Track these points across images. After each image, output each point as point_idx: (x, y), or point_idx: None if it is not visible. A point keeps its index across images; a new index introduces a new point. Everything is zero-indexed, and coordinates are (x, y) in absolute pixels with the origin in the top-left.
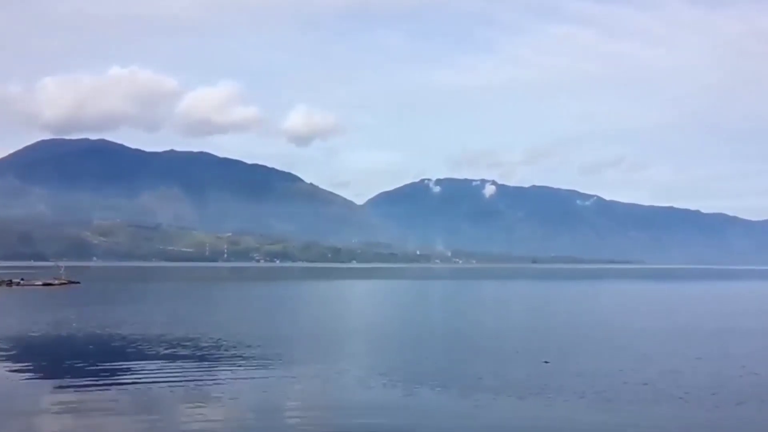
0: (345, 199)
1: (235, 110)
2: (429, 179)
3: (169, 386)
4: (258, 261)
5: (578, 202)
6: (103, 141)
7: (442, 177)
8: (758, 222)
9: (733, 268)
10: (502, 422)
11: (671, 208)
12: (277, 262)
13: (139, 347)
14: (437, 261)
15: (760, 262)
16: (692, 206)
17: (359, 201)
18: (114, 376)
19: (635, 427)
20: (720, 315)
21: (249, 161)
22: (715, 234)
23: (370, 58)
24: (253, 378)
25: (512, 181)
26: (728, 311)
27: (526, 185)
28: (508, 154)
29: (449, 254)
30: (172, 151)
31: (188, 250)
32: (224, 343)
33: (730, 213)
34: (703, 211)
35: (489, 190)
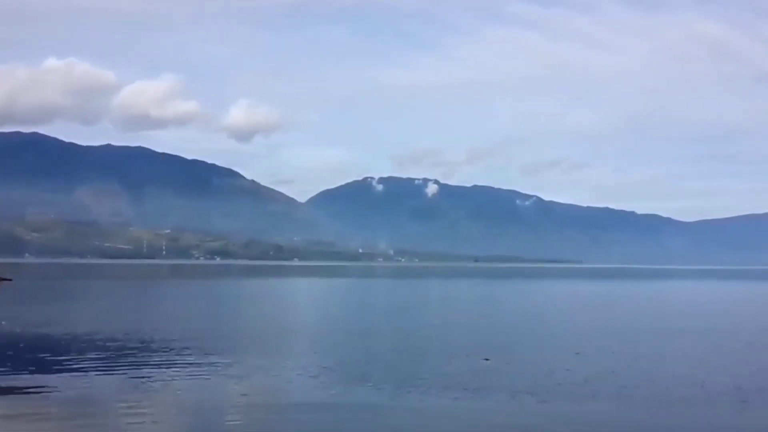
0: (287, 197)
1: (175, 105)
2: (372, 177)
3: (103, 386)
4: (198, 258)
5: (518, 202)
6: (35, 134)
7: (385, 175)
8: (690, 223)
9: (668, 267)
10: (436, 420)
11: (608, 208)
12: (218, 259)
13: (72, 346)
14: (380, 259)
15: (692, 262)
16: (628, 207)
17: (302, 198)
18: (45, 375)
19: (569, 424)
20: (657, 315)
21: (189, 157)
22: (650, 234)
23: (315, 54)
24: (190, 376)
25: (454, 181)
26: (665, 311)
27: (468, 185)
28: (450, 154)
29: (392, 252)
30: (108, 145)
31: (125, 246)
32: (161, 341)
33: (664, 214)
34: (638, 212)
35: (431, 189)
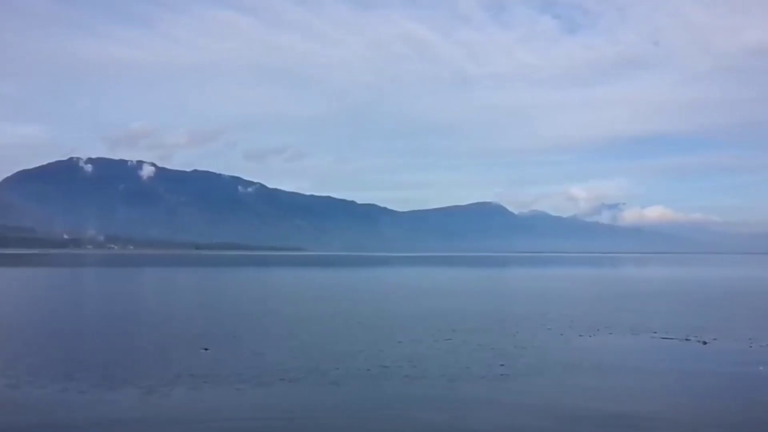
0: None
1: None
2: (79, 158)
3: None
4: None
5: (241, 188)
6: None
7: (94, 156)
8: (404, 212)
9: (386, 254)
10: (141, 414)
11: (329, 197)
12: None
13: None
14: (89, 246)
15: (406, 249)
16: (348, 197)
17: None
18: None
19: (269, 411)
20: (376, 299)
21: None
22: (368, 223)
23: (11, 21)
24: None
25: (173, 164)
26: (386, 295)
27: (188, 169)
28: (169, 136)
29: (103, 239)
30: None
31: None
32: None
33: (380, 204)
34: (358, 201)
35: (147, 171)
